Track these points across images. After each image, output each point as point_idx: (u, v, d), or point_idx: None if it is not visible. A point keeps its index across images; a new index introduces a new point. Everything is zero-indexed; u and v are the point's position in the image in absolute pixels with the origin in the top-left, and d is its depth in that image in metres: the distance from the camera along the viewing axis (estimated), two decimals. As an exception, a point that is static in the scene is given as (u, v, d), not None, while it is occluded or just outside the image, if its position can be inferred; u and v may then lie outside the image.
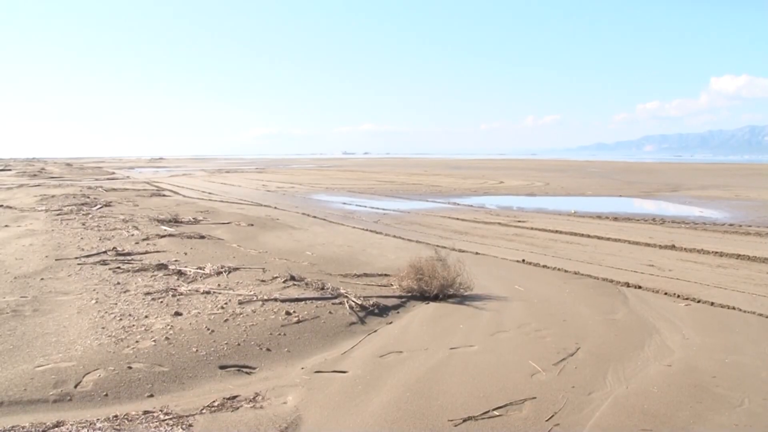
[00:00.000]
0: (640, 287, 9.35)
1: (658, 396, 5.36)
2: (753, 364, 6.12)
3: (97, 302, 7.96)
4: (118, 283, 8.99)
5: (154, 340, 6.42)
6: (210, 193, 30.39)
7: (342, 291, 8.41)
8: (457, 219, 18.98)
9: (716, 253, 12.50)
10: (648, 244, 13.73)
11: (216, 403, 5.11)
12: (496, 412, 4.96)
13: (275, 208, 22.62)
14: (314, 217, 19.59)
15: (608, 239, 14.57)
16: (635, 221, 18.42)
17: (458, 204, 24.66)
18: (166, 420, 4.79)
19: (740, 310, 8.07)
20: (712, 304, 8.38)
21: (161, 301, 7.94)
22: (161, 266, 10.06)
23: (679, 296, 8.79)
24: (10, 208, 20.64)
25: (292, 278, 8.99)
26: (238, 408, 5.06)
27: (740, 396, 5.33)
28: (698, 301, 8.51)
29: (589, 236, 15.06)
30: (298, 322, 7.22)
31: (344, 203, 25.10)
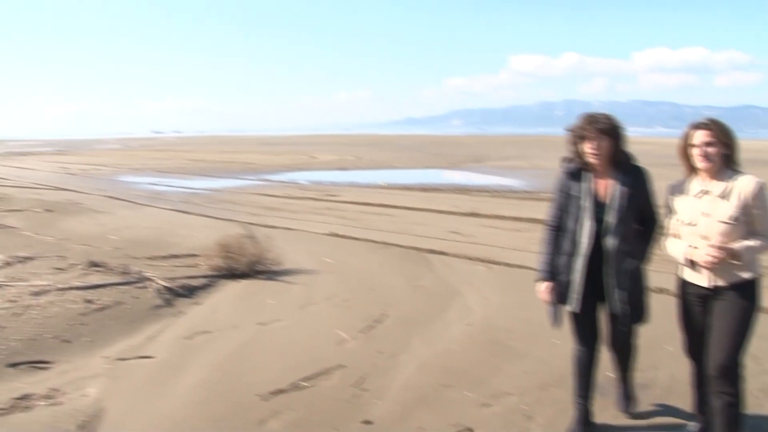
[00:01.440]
0: (444, 254, 9.77)
1: (459, 354, 5.65)
2: (541, 317, 6.59)
3: None
4: None
5: (-69, 342, 5.84)
6: (1, 178, 28.02)
7: (148, 274, 8.09)
8: (269, 195, 18.86)
9: (513, 218, 13.34)
10: (453, 213, 14.38)
11: (5, 405, 4.73)
12: (304, 383, 5.00)
13: (77, 191, 21.24)
14: (120, 199, 18.63)
15: (416, 209, 15.10)
16: (442, 191, 19.24)
17: (270, 180, 24.50)
18: (-55, 429, 4.38)
19: (533, 269, 8.65)
20: (509, 265, 8.94)
21: (-60, 299, 7.23)
22: (-60, 261, 9.15)
23: (480, 260, 9.28)
24: None
25: (94, 264, 8.53)
26: (31, 407, 4.71)
27: (530, 347, 5.76)
28: (497, 264, 9.04)
29: (398, 207, 15.52)
30: (100, 309, 6.85)
31: (153, 184, 24.10)
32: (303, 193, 19.19)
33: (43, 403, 4.78)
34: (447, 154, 42.78)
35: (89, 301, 7.05)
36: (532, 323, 6.39)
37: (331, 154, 44.70)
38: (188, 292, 7.71)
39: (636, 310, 3.97)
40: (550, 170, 26.97)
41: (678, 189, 3.83)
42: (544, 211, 13.90)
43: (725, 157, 3.66)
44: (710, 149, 3.59)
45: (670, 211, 3.84)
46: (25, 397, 4.85)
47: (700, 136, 3.63)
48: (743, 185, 3.57)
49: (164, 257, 9.56)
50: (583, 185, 3.92)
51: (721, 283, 3.65)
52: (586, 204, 3.87)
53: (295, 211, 15.19)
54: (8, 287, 7.59)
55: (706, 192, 3.67)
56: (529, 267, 8.71)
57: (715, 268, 3.61)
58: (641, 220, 3.97)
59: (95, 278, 7.97)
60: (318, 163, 35.36)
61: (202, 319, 6.79)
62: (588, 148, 3.83)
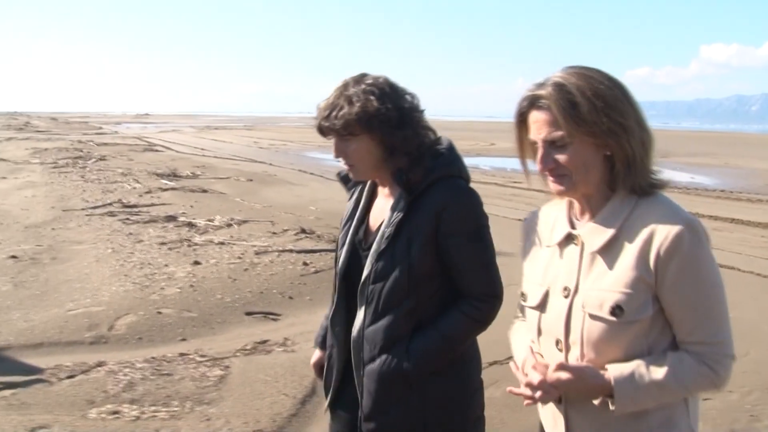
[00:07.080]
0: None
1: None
2: (753, 318, 6.37)
3: (113, 251, 8.11)
4: (131, 234, 9.14)
5: (179, 287, 6.60)
6: (202, 149, 30.32)
7: (354, 244, 8.59)
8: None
9: (711, 216, 12.77)
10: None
11: (248, 347, 5.29)
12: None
13: (270, 164, 22.64)
14: (311, 173, 19.65)
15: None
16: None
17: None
18: (203, 362, 4.96)
19: (739, 269, 8.32)
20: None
21: (178, 251, 8.11)
22: (170, 218, 10.22)
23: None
24: (4, 160, 20.57)
25: (303, 231, 9.16)
26: (270, 351, 5.25)
27: (747, 347, 5.59)
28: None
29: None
30: (316, 272, 7.39)
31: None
32: (486, 178, 19.32)
33: (279, 349, 5.31)
34: (629, 148, 41.21)
35: (306, 264, 7.63)
36: (742, 323, 6.21)
37: (510, 142, 44.27)
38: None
39: None
40: (748, 170, 25.38)
41: (533, 228, 1.86)
42: (742, 211, 13.21)
43: (610, 169, 1.63)
44: (562, 156, 1.61)
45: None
46: (264, 342, 5.41)
47: (538, 125, 1.65)
48: (653, 232, 1.56)
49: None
50: (352, 203, 2.32)
51: None
52: (347, 238, 2.23)
53: (482, 195, 15.36)
54: (233, 245, 8.38)
55: (573, 240, 1.69)
56: (734, 267, 8.41)
57: (573, 410, 1.65)
58: (455, 284, 2.08)
59: (307, 243, 8.58)
60: (497, 150, 35.32)
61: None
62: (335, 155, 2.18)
